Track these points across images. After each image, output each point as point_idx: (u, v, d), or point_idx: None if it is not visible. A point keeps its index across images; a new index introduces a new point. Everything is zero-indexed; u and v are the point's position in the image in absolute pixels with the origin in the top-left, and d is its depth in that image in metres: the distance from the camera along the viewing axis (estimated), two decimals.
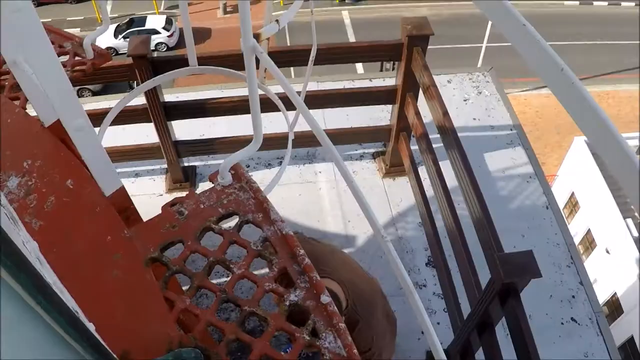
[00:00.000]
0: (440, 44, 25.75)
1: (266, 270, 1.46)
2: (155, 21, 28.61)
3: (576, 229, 22.80)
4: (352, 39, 28.21)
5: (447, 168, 3.62)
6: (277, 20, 1.44)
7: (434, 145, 4.01)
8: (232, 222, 1.53)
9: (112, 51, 27.13)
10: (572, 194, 23.07)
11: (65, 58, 2.24)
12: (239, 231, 1.49)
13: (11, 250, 0.61)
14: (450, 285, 3.61)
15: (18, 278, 0.63)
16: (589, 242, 22.23)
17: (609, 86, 26.32)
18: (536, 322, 3.30)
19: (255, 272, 1.44)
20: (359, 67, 23.62)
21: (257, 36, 1.30)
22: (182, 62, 3.83)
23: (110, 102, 5.20)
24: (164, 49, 28.48)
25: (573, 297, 4.19)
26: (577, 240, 22.91)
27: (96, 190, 1.51)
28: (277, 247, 1.44)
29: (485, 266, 2.81)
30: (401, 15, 29.25)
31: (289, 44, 26.23)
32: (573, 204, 23.21)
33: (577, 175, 22.64)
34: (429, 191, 4.08)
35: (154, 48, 28.63)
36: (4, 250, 0.61)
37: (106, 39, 26.86)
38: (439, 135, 3.72)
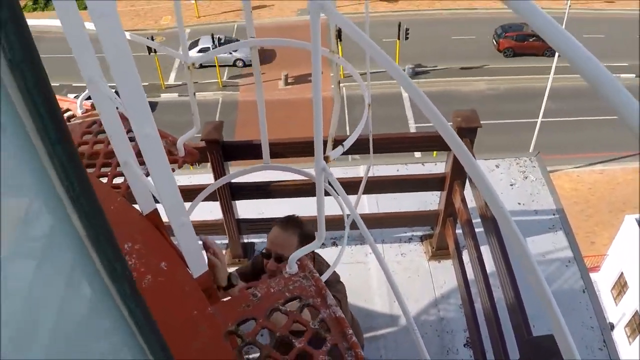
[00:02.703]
0: (496, 119, 26.02)
1: None
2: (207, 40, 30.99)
3: (624, 310, 22.29)
4: (409, 112, 28.68)
5: (488, 253, 3.90)
6: (342, 145, 1.79)
7: (477, 230, 4.28)
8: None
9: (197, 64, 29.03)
10: (621, 274, 22.64)
11: None
12: (301, 312, 1.81)
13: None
14: None
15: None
16: (637, 324, 21.67)
17: None
18: None
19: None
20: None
21: (326, 159, 1.64)
22: (251, 148, 4.24)
23: (180, 177, 5.61)
24: (241, 65, 31.51)
25: None
26: (624, 321, 22.34)
27: (186, 272, 1.86)
28: (331, 327, 1.75)
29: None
30: (458, 89, 29.89)
31: (346, 115, 26.91)
32: (622, 284, 22.75)
33: (627, 254, 22.27)
34: (471, 275, 4.33)
35: (232, 64, 31.74)
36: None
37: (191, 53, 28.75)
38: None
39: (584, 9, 35.61)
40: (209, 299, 1.84)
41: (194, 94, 2.42)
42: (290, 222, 3.11)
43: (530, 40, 31.43)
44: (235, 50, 30.32)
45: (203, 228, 5.05)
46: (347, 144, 1.84)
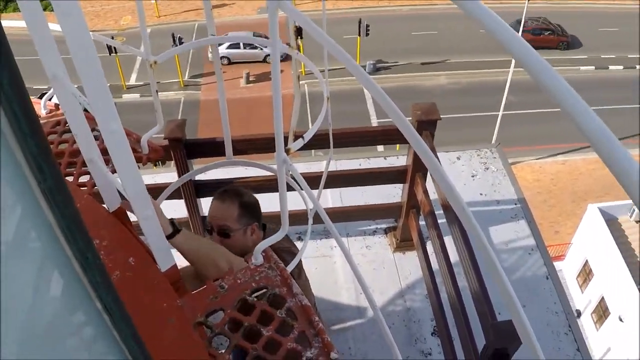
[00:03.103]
0: (458, 113, 26.34)
1: None
2: (240, 37, 31.90)
3: (590, 297, 22.80)
4: (371, 108, 28.85)
5: (451, 243, 3.99)
6: (302, 137, 1.85)
7: (440, 221, 4.37)
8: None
9: (226, 60, 31.50)
10: (586, 261, 23.14)
11: None
12: (268, 302, 1.86)
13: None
14: (453, 353, 3.92)
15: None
16: (603, 310, 22.18)
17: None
18: None
19: None
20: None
21: (287, 151, 1.69)
22: (214, 145, 4.26)
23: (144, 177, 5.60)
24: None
25: None
26: (590, 308, 22.83)
27: (154, 267, 1.89)
28: (298, 315, 1.80)
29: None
30: (420, 83, 30.17)
31: (309, 112, 26.95)
32: (587, 272, 23.26)
33: (590, 243, 22.75)
34: (436, 265, 4.43)
35: (263, 59, 32.14)
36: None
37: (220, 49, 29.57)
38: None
39: (545, 3, 36.21)
40: (177, 291, 1.87)
41: (157, 91, 2.45)
42: (228, 192, 3.00)
43: (546, 34, 32.12)
44: (266, 47, 30.57)
45: None
46: (307, 136, 1.90)
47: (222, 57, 30.16)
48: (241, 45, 31.81)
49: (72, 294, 1.01)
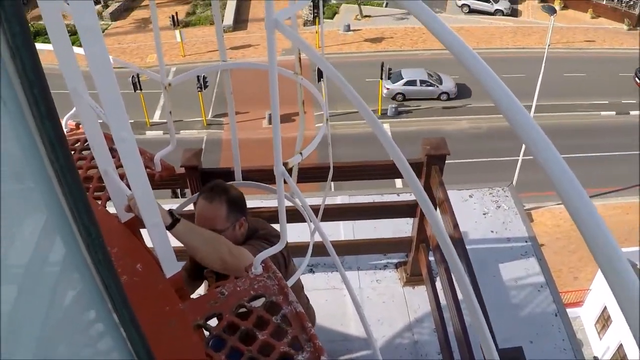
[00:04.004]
0: (479, 157, 26.35)
1: None
2: (416, 73, 32.74)
3: (608, 344, 22.38)
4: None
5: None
6: (300, 153, 1.98)
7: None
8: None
9: (400, 96, 32.20)
10: (605, 308, 22.78)
11: None
12: (264, 308, 1.97)
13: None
14: None
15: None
16: (621, 358, 21.76)
17: None
18: None
19: None
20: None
21: (285, 164, 1.81)
22: (228, 174, 4.40)
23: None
24: (445, 98, 32.31)
25: None
26: (609, 355, 22.40)
27: (159, 273, 2.02)
28: (292, 321, 1.91)
29: None
30: (442, 127, 30.26)
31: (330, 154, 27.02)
32: (605, 318, 22.88)
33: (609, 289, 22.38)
34: (444, 300, 4.49)
35: (436, 97, 32.48)
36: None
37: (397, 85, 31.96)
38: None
39: (565, 48, 36.53)
40: (180, 297, 2.00)
41: (170, 112, 2.60)
42: (214, 190, 2.91)
43: None
44: (440, 84, 32.13)
45: (179, 253, 5.19)
46: (306, 152, 2.03)
47: (397, 94, 32.00)
48: (418, 82, 32.27)
49: (74, 265, 1.13)
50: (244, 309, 1.98)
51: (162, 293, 1.96)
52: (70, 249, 1.09)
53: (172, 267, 2.01)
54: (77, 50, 1.84)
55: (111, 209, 2.45)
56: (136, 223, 2.28)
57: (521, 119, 0.94)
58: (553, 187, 0.86)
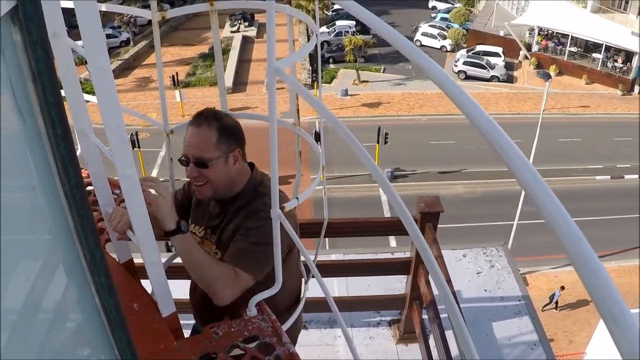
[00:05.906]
0: (473, 222, 26.39)
1: None
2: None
3: None
4: (387, 214, 28.98)
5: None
6: (297, 198, 2.04)
7: (442, 315, 4.46)
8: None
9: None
10: None
11: None
12: (258, 349, 2.00)
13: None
14: None
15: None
16: None
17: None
18: None
19: None
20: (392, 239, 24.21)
21: (282, 208, 1.88)
22: None
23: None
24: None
25: None
26: None
27: (155, 312, 2.06)
28: None
29: None
30: (437, 192, 30.37)
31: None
32: None
33: (604, 352, 22.12)
34: (437, 357, 4.47)
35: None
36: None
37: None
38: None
39: (560, 113, 37.17)
40: (176, 337, 2.03)
41: (171, 160, 2.67)
42: (204, 116, 2.56)
43: None
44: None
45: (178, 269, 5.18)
46: (302, 197, 2.09)
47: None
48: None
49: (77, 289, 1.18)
50: (238, 350, 2.01)
51: (157, 331, 2.00)
52: (73, 273, 1.14)
53: (168, 307, 2.05)
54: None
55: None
56: (133, 264, 2.33)
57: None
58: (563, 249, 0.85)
